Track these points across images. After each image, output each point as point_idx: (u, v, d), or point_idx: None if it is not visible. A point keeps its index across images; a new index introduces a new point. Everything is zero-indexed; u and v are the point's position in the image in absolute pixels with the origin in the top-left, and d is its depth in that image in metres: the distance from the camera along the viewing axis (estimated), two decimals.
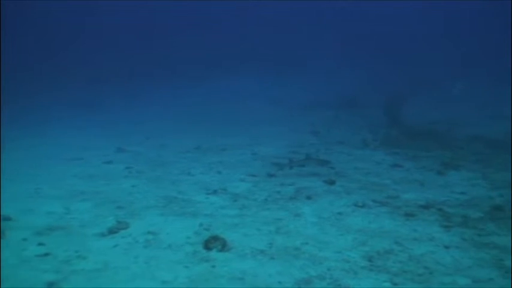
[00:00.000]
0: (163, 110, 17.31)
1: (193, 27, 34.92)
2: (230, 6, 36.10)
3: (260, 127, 13.16)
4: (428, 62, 23.22)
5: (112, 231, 5.05)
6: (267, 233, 5.24)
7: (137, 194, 6.66)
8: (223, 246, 4.77)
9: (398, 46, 26.92)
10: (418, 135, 11.15)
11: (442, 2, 31.75)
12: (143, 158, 9.31)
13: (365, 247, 4.85)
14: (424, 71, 21.26)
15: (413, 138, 10.95)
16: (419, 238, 5.08)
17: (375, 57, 25.87)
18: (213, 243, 4.80)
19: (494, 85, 18.27)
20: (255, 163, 8.80)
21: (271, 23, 35.29)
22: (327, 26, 33.56)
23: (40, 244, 4.75)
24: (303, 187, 7.14)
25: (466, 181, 7.38)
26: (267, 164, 8.66)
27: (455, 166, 8.24)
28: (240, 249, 4.77)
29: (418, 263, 4.47)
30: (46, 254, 4.53)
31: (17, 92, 19.33)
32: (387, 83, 18.84)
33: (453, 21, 30.24)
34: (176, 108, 17.41)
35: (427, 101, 15.96)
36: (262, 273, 4.25)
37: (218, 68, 26.02)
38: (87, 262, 4.39)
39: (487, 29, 26.52)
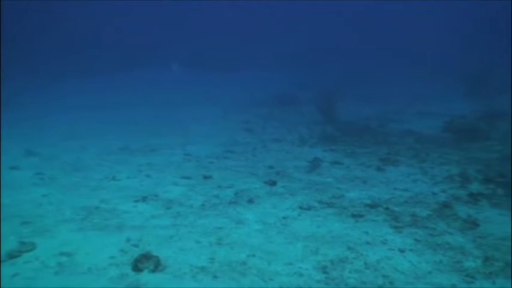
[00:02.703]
0: (82, 105, 15.72)
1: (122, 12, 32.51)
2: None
3: (192, 125, 12.37)
4: (363, 59, 23.91)
5: (12, 256, 4.04)
6: (207, 245, 4.56)
7: (49, 205, 5.61)
8: (157, 266, 4.02)
9: (333, 45, 27.47)
10: (353, 131, 11.11)
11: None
12: (58, 161, 8.10)
13: (317, 256, 4.37)
14: (355, 69, 21.77)
15: (348, 134, 10.87)
16: (372, 242, 4.72)
17: (308, 56, 26.10)
18: (144, 262, 4.03)
19: (424, 83, 19.18)
20: (188, 164, 8.05)
21: (212, 22, 34.30)
22: (261, 27, 33.36)
23: None
24: (243, 189, 6.55)
25: (406, 177, 7.27)
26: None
27: (393, 161, 8.16)
28: (177, 268, 4.05)
29: (375, 271, 4.08)
30: None
31: None
32: (320, 81, 18.93)
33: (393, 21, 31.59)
34: (98, 104, 15.93)
35: (359, 98, 16.19)
36: None
37: (145, 59, 24.51)
38: None
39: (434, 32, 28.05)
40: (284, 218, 5.41)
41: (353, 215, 5.50)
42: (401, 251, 4.49)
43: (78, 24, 28.49)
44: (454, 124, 10.29)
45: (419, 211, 5.60)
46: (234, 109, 15.30)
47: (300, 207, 5.78)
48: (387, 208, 5.73)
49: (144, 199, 6.01)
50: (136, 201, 5.94)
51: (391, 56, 24.38)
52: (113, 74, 22.71)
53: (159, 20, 32.99)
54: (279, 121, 13.02)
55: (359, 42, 28.29)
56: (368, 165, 8.02)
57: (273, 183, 6.83)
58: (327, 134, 10.90)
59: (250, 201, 6.03)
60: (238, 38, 30.91)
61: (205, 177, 7.14)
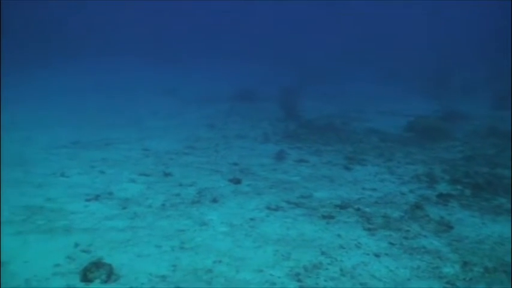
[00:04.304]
0: (29, 93, 14.56)
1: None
2: None
3: (152, 119, 11.72)
4: (325, 56, 23.95)
5: None
6: (168, 250, 4.11)
7: None
8: (109, 276, 3.53)
9: (296, 41, 27.40)
10: (316, 129, 10.93)
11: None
12: None
13: (289, 262, 4.03)
14: (318, 66, 21.76)
15: (312, 131, 10.66)
16: (346, 246, 4.45)
17: (272, 52, 25.86)
18: (95, 271, 3.52)
19: (383, 82, 19.43)
20: (146, 160, 7.48)
21: (175, 12, 33.22)
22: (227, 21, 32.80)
23: None
24: (206, 188, 6.12)
25: (373, 176, 7.11)
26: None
27: (360, 160, 8.01)
28: (133, 278, 3.57)
29: (352, 278, 3.80)
30: None
31: None
32: (283, 77, 18.72)
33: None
34: (47, 92, 14.82)
35: (321, 95, 16.11)
36: None
37: (103, 47, 23.26)
38: None
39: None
40: (251, 219, 5.04)
41: (323, 216, 5.22)
42: (377, 255, 4.25)
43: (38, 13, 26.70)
44: (417, 124, 10.34)
45: (390, 212, 5.41)
46: (194, 103, 14.75)
47: (268, 208, 5.43)
48: (358, 209, 5.50)
49: (96, 198, 5.43)
50: (87, 200, 5.36)
51: (351, 55, 24.68)
52: (66, 62, 21.41)
53: (121, 10, 31.64)
54: (241, 117, 12.63)
55: (322, 40, 28.48)
56: (334, 164, 7.82)
57: (238, 182, 6.45)
58: (290, 131, 10.65)
59: (215, 200, 5.61)
60: (199, 30, 30.22)
61: (166, 174, 6.63)
